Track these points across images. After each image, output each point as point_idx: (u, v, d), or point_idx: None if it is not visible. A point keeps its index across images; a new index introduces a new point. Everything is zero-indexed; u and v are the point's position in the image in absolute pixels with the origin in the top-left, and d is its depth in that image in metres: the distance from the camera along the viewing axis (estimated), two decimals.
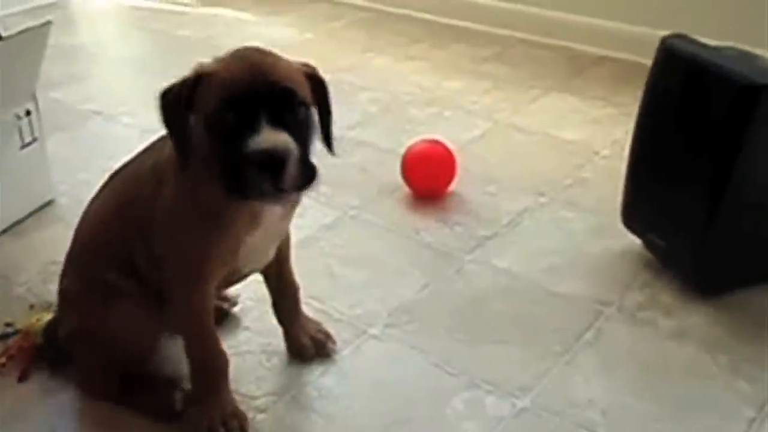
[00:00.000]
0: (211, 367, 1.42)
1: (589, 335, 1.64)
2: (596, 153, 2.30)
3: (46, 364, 1.57)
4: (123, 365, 1.47)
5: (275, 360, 1.60)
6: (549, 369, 1.56)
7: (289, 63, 1.28)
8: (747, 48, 1.72)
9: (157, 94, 1.27)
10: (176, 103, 1.27)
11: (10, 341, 1.61)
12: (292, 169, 1.21)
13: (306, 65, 1.32)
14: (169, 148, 1.35)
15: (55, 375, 1.56)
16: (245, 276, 1.49)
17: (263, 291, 1.61)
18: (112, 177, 1.49)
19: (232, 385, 1.46)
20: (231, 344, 1.62)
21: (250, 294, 1.69)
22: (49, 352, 1.57)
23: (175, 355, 1.53)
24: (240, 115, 1.21)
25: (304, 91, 1.27)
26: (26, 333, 1.61)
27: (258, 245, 1.39)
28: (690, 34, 1.74)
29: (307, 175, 1.25)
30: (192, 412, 1.43)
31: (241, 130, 1.20)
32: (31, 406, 1.50)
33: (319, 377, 1.55)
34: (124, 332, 1.43)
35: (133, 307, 1.42)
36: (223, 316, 1.67)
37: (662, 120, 1.72)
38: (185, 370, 1.45)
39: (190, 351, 1.42)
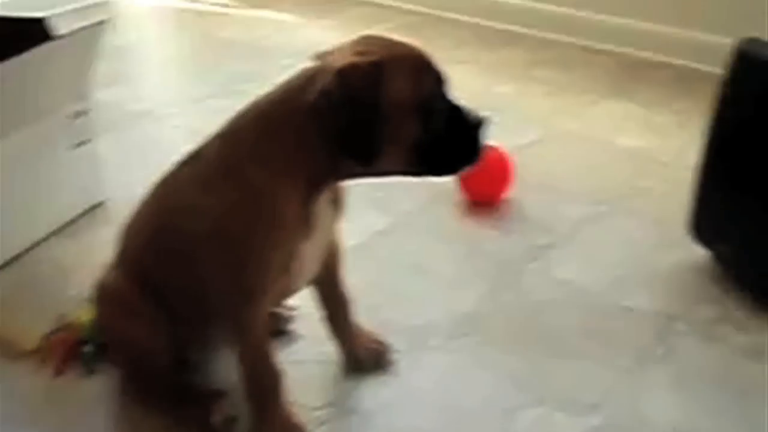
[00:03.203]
0: (266, 384, 1.38)
1: (659, 351, 1.57)
2: (657, 161, 2.23)
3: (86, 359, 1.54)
4: (146, 371, 1.44)
5: (333, 369, 1.55)
6: (619, 386, 1.49)
7: None
8: None
9: (338, 73, 1.19)
10: (370, 87, 1.20)
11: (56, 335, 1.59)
12: None
13: None
14: (214, 153, 1.31)
15: (95, 371, 1.53)
16: (295, 291, 1.44)
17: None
18: (154, 189, 1.42)
19: (289, 396, 1.41)
20: (287, 352, 1.57)
21: (306, 300, 1.64)
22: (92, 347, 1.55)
23: (224, 368, 1.49)
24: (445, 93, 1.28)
25: None
26: (70, 326, 1.59)
27: (311, 253, 1.35)
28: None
29: None
30: (251, 428, 1.38)
31: (451, 106, 1.28)
32: (66, 401, 1.48)
33: (378, 389, 1.50)
34: (135, 342, 1.40)
35: (147, 323, 1.39)
36: (279, 334, 1.61)
37: (737, 128, 1.65)
38: (236, 383, 1.40)
39: (244, 369, 1.37)
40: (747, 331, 1.61)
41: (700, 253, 1.79)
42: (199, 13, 3.47)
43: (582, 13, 2.98)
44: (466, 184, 2.05)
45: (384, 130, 1.21)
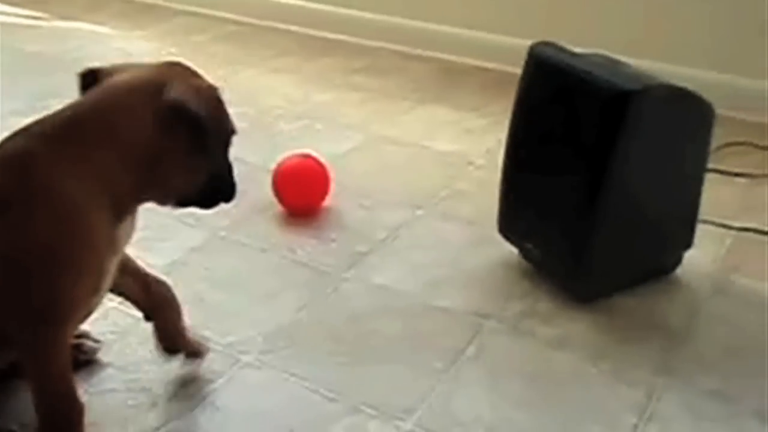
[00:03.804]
0: (67, 418, 1.29)
1: (471, 349, 1.60)
2: (470, 163, 2.28)
3: None
4: None
5: (142, 397, 1.48)
6: (432, 388, 1.51)
7: None
8: (611, 54, 1.74)
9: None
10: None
11: None
12: None
13: None
14: (8, 176, 1.21)
15: None
16: (93, 311, 1.37)
17: (125, 322, 1.51)
18: None
19: (95, 430, 1.34)
20: (93, 383, 1.49)
21: (111, 327, 1.57)
22: None
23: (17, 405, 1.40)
24: None
25: None
26: None
27: (112, 272, 1.31)
28: (558, 42, 1.74)
29: None
30: None
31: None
32: None
33: (190, 413, 1.45)
34: None
35: None
36: (83, 364, 1.52)
37: (533, 129, 1.72)
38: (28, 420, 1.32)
39: (43, 400, 1.28)
40: (553, 324, 1.67)
41: (510, 251, 1.85)
42: (5, 26, 3.26)
43: (398, 20, 3.03)
44: (283, 196, 2.02)
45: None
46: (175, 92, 1.24)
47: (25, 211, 1.19)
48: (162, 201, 1.34)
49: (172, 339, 1.49)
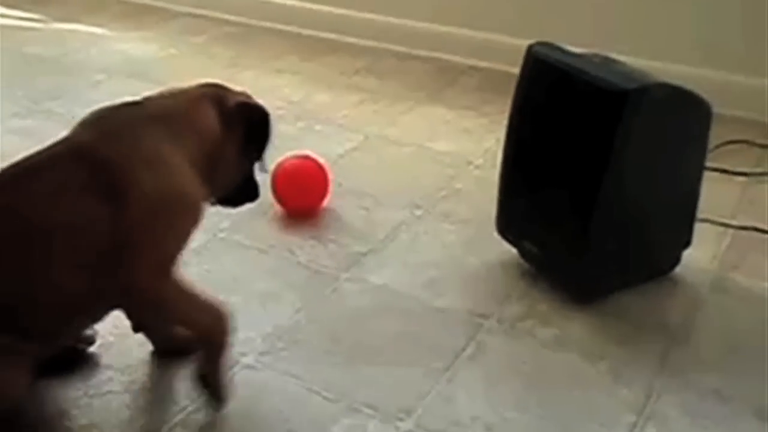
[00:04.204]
0: (222, 318, 1.43)
1: (469, 350, 1.60)
2: (469, 163, 2.29)
3: None
4: None
5: (141, 399, 1.49)
6: (431, 388, 1.51)
7: None
8: (608, 54, 1.74)
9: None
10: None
11: None
12: None
13: None
14: (125, 146, 1.33)
15: None
16: None
17: (125, 324, 1.52)
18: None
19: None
20: (93, 385, 1.50)
21: (111, 329, 1.57)
22: None
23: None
24: None
25: None
26: None
27: None
28: (555, 41, 1.75)
29: None
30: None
31: None
32: None
33: (190, 414, 1.45)
34: None
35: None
36: (80, 356, 1.54)
37: (532, 128, 1.72)
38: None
39: (196, 322, 1.42)
40: (552, 324, 1.67)
41: (508, 250, 1.85)
42: (5, 28, 3.27)
43: (397, 20, 3.03)
44: (283, 197, 2.02)
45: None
46: (235, 99, 1.48)
47: (155, 170, 1.34)
48: (210, 195, 1.49)
49: (163, 342, 1.56)
